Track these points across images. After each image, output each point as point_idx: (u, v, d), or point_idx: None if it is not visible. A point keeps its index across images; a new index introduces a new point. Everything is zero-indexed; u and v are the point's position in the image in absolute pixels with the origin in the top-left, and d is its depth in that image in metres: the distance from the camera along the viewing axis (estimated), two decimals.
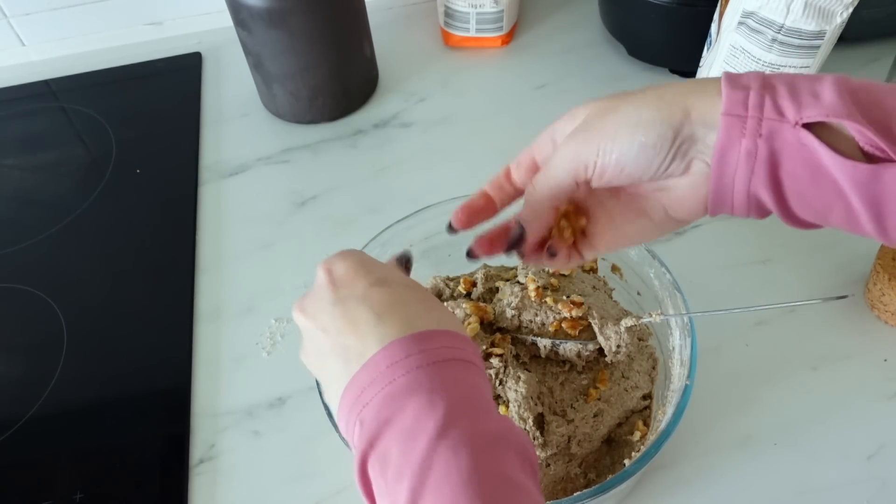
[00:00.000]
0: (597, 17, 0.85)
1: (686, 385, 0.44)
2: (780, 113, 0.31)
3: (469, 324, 0.48)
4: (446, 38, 0.86)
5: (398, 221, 0.53)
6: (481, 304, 0.50)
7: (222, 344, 0.62)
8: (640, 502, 0.51)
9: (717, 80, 0.33)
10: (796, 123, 0.31)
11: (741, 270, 0.63)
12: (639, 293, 0.53)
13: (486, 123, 0.78)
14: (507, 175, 0.41)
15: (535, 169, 0.39)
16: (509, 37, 0.86)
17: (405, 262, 0.41)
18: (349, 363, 0.32)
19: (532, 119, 0.77)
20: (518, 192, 0.41)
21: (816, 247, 0.63)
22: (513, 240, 0.38)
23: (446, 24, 0.84)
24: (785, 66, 0.55)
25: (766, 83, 0.32)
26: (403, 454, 0.28)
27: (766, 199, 0.33)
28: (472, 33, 0.84)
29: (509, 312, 0.49)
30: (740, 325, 0.58)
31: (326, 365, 0.34)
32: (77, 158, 0.79)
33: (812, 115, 0.31)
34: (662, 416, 0.46)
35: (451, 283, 0.54)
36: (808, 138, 0.31)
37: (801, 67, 0.55)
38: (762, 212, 0.34)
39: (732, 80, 0.33)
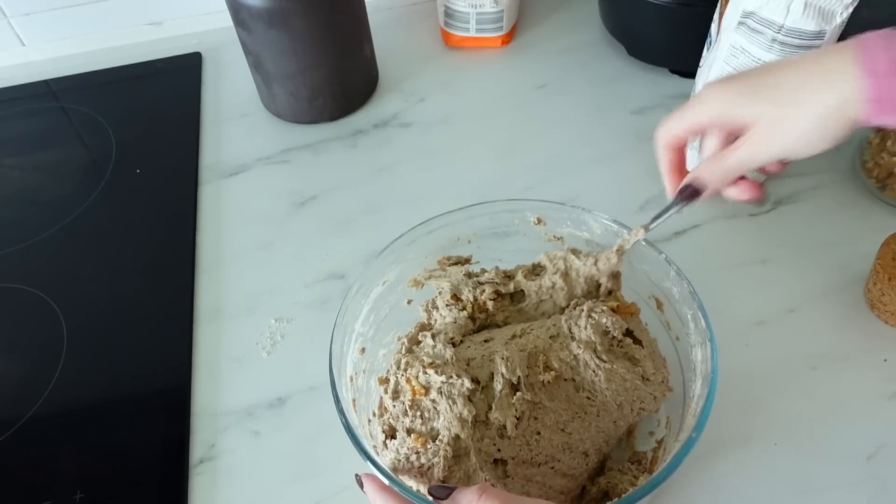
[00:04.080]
0: (597, 17, 0.85)
1: (691, 437, 0.41)
2: None
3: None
4: (446, 38, 0.86)
5: (411, 229, 0.53)
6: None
7: (222, 344, 0.62)
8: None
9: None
10: None
11: (741, 270, 0.63)
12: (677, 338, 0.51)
13: (486, 123, 0.78)
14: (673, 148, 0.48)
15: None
16: (509, 37, 0.86)
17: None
18: None
19: (532, 119, 0.77)
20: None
21: (816, 247, 0.63)
22: (690, 193, 0.47)
23: (446, 24, 0.84)
24: None
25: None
26: None
27: None
28: (472, 33, 0.84)
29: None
30: (740, 325, 0.58)
31: None
32: (77, 158, 0.79)
33: None
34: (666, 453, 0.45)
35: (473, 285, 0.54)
36: None
37: None
38: None
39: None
